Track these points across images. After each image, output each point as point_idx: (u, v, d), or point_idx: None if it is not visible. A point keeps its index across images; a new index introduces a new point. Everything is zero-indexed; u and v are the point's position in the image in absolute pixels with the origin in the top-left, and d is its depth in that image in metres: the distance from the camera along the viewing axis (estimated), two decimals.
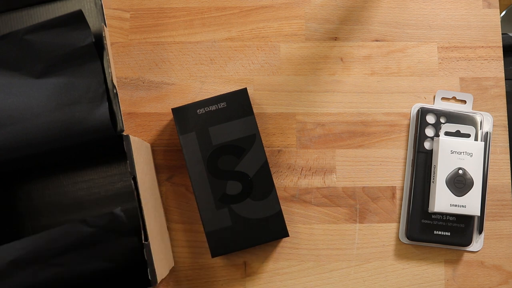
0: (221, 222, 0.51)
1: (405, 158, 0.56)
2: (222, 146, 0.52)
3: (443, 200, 0.52)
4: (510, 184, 0.56)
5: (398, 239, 0.55)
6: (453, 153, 0.53)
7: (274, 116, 0.57)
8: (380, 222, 0.55)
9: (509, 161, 0.56)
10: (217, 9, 0.59)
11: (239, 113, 0.52)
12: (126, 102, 0.58)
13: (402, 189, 0.56)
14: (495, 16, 0.58)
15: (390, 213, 0.55)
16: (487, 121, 0.56)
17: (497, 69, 0.57)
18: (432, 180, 0.54)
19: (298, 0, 0.59)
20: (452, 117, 0.55)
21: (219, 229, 0.51)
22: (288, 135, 0.57)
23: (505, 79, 0.57)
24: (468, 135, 0.55)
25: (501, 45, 0.58)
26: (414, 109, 0.57)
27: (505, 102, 0.57)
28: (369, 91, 0.57)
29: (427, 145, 0.55)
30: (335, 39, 0.58)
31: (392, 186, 0.56)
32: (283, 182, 0.56)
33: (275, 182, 0.56)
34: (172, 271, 0.55)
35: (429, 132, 0.55)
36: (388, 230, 0.55)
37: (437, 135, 0.55)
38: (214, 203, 0.51)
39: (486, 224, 0.55)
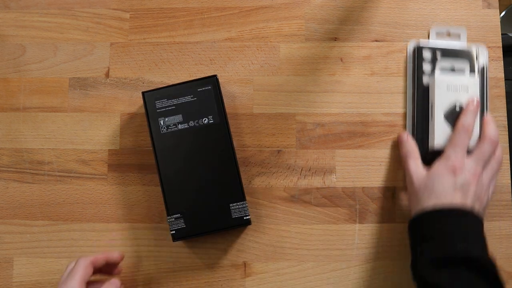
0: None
1: None
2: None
3: (442, 136, 0.53)
4: (510, 184, 0.56)
5: (398, 239, 0.55)
6: (449, 89, 0.53)
7: (274, 116, 0.57)
8: (380, 222, 0.55)
9: (509, 161, 0.56)
10: (217, 9, 0.59)
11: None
12: (126, 102, 0.58)
13: (402, 189, 0.56)
14: (495, 16, 0.58)
15: (390, 213, 0.55)
16: (482, 54, 0.56)
17: (497, 69, 0.57)
18: (430, 117, 0.54)
19: (298, 0, 0.59)
20: (447, 53, 0.56)
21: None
22: (288, 135, 0.57)
23: (505, 79, 0.57)
24: (463, 70, 0.55)
25: (501, 45, 0.58)
26: (410, 47, 0.57)
27: (505, 102, 0.57)
28: (369, 91, 0.57)
29: (425, 80, 0.56)
30: (335, 39, 0.58)
31: (392, 186, 0.56)
32: (283, 183, 0.56)
33: (275, 182, 0.56)
34: (172, 271, 0.55)
35: (426, 68, 0.56)
36: (387, 230, 0.55)
37: (433, 71, 0.55)
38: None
39: (485, 224, 0.55)
